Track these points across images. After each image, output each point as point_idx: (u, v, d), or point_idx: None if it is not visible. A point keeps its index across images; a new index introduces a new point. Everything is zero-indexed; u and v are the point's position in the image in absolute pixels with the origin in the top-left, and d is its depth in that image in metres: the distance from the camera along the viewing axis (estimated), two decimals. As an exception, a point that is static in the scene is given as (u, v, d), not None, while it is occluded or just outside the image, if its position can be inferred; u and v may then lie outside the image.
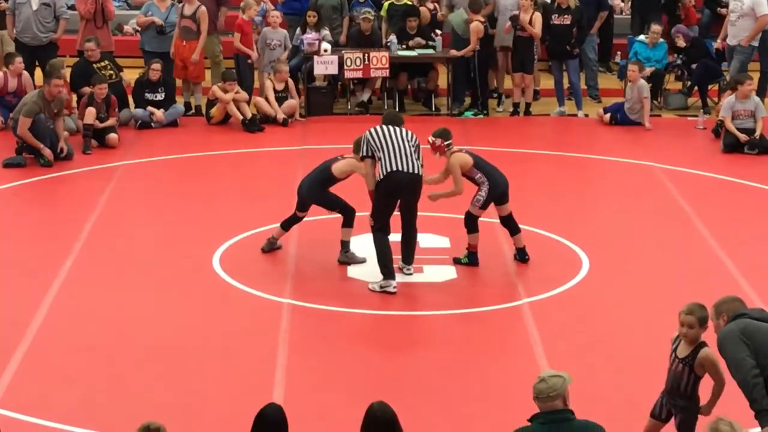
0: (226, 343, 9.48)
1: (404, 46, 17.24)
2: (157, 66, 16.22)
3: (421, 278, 10.79)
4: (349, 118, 17.05)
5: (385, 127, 10.64)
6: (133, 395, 8.58)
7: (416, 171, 10.55)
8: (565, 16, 16.83)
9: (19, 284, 10.71)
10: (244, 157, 15.07)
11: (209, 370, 9.02)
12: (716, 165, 14.75)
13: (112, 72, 16.19)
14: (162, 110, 16.26)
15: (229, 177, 14.20)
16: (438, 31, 17.54)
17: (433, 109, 17.56)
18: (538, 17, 16.84)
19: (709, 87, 17.77)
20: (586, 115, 17.18)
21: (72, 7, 17.36)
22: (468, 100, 17.53)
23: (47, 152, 14.29)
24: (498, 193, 10.99)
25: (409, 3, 17.90)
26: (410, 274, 10.83)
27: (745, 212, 13.08)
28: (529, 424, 6.05)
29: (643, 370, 8.91)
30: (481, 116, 17.11)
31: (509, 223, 11.19)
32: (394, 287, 10.42)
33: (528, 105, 17.29)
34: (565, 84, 17.30)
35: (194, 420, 8.21)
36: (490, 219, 12.36)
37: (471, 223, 11.08)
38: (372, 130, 10.62)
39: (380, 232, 10.59)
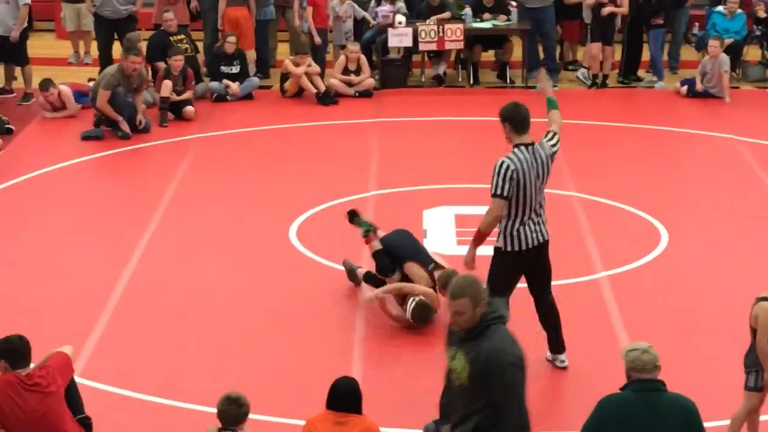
0: (305, 315, 9.51)
1: (479, 19, 17.15)
2: (232, 39, 16.27)
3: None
4: (423, 91, 17.00)
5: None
6: (213, 365, 8.65)
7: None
8: None
9: (100, 254, 10.81)
10: (318, 129, 15.08)
11: (287, 341, 9.06)
12: (797, 137, 14.52)
13: (188, 46, 16.25)
14: (237, 83, 16.31)
15: (304, 150, 14.22)
16: (513, 3, 17.40)
17: (508, 81, 17.45)
18: None
19: (789, 58, 17.48)
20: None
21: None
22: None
23: (125, 125, 14.42)
24: None
25: None
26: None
27: (827, 185, 12.87)
28: (620, 392, 5.94)
29: (723, 342, 8.82)
30: (557, 88, 16.98)
31: None
32: None
33: (605, 77, 17.13)
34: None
35: (273, 389, 8.26)
36: (569, 192, 12.29)
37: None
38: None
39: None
